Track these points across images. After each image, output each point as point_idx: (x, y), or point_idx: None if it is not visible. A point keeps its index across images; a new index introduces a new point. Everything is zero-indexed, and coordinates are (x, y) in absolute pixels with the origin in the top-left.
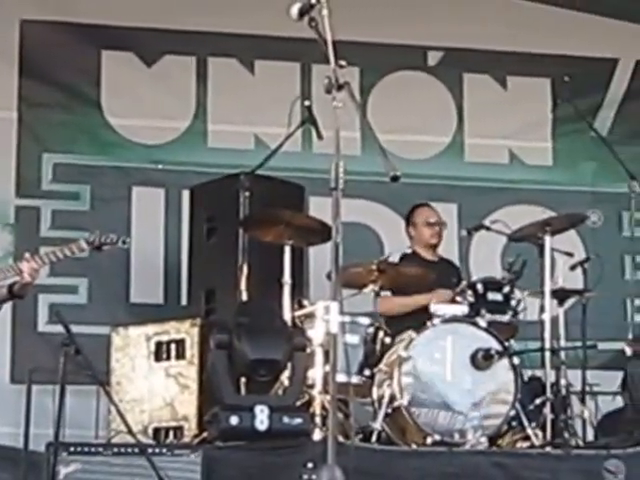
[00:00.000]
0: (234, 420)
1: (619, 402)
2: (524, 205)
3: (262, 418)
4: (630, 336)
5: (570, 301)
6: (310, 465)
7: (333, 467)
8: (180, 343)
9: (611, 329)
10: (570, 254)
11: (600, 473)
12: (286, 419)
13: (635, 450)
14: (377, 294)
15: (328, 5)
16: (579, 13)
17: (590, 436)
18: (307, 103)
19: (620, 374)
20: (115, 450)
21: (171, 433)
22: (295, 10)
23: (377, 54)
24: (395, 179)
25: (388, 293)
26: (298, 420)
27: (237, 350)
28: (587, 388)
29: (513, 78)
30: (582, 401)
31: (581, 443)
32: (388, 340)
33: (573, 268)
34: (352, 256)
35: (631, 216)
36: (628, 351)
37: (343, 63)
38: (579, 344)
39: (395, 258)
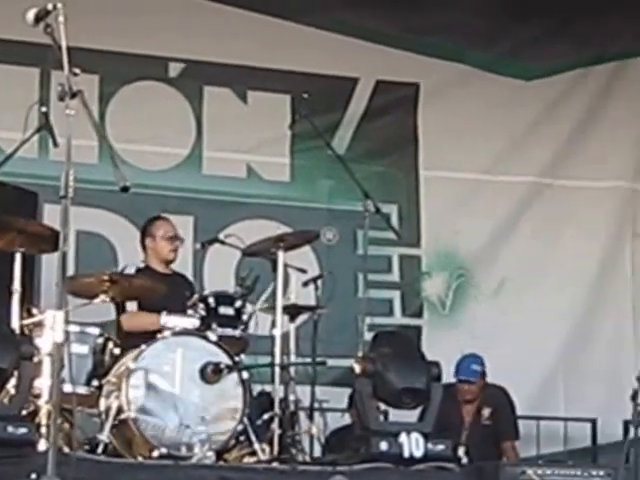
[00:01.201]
0: None
1: (348, 419)
2: (260, 220)
3: None
4: (360, 354)
5: (302, 317)
6: (33, 476)
7: (52, 478)
8: None
9: (342, 346)
10: (303, 270)
11: None
12: (10, 428)
13: (360, 467)
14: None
15: (65, 12)
16: (320, 31)
17: (317, 452)
18: (43, 109)
19: (349, 391)
20: None
21: None
22: (31, 16)
23: (118, 63)
24: (125, 189)
25: (134, 306)
26: (23, 430)
27: None
28: (316, 404)
29: (254, 93)
30: (310, 417)
31: (308, 459)
32: (117, 351)
33: (306, 284)
34: (86, 265)
35: (365, 234)
36: (357, 369)
37: (77, 71)
38: (309, 360)
39: (131, 270)
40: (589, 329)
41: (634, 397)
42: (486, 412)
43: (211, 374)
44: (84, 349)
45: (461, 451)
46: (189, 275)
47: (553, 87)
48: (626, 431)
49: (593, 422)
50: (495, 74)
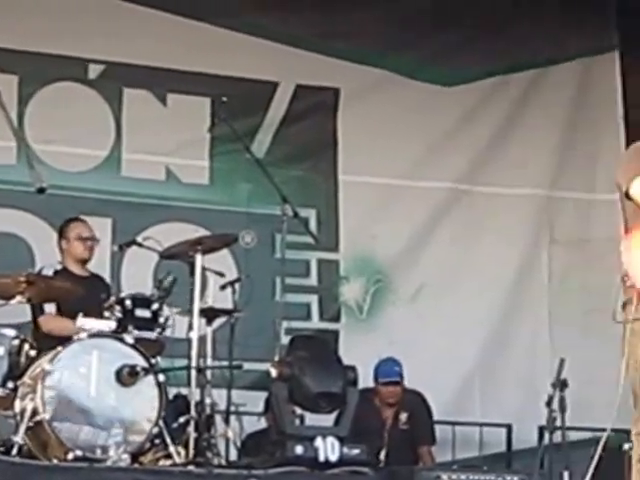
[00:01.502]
0: None
1: (264, 423)
2: (178, 223)
3: None
4: (276, 357)
5: (219, 320)
6: None
7: None
8: None
9: (259, 350)
10: (221, 274)
11: None
12: None
13: (276, 471)
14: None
15: None
16: (241, 35)
17: (233, 456)
18: None
19: (265, 395)
20: None
21: None
22: None
23: (37, 64)
24: (41, 191)
25: (53, 308)
26: None
27: None
28: (232, 408)
29: (173, 95)
30: (226, 421)
31: (223, 462)
32: (33, 353)
33: (223, 288)
34: (3, 266)
35: (283, 238)
36: (273, 372)
37: None
38: (225, 363)
39: (49, 272)
40: (506, 335)
41: (549, 403)
42: (403, 417)
43: (127, 377)
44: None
45: (382, 455)
46: (106, 277)
47: (472, 94)
48: (541, 437)
49: (508, 427)
50: (415, 80)
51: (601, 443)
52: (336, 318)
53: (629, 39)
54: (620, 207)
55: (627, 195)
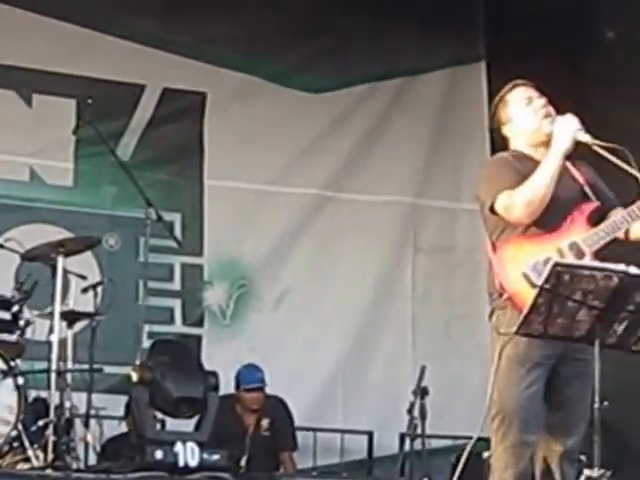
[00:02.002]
0: None
1: (125, 427)
2: (42, 224)
3: None
4: (138, 362)
5: (81, 323)
6: None
7: None
8: None
9: (121, 354)
10: (83, 276)
11: None
12: None
13: (135, 475)
14: None
15: None
16: (108, 37)
17: (93, 460)
18: None
19: (126, 399)
20: None
21: None
22: None
23: None
24: None
25: None
26: None
27: None
28: (92, 412)
29: (39, 96)
30: (86, 424)
31: (82, 466)
32: None
33: (85, 291)
34: None
35: (146, 242)
36: (134, 377)
37: None
38: (86, 367)
39: None
40: (369, 342)
41: (410, 410)
42: (265, 423)
43: None
44: None
45: (243, 461)
46: None
47: (340, 101)
48: (402, 444)
49: (370, 435)
50: (283, 86)
51: (467, 450)
52: (199, 323)
53: (496, 50)
54: (482, 220)
55: (492, 210)
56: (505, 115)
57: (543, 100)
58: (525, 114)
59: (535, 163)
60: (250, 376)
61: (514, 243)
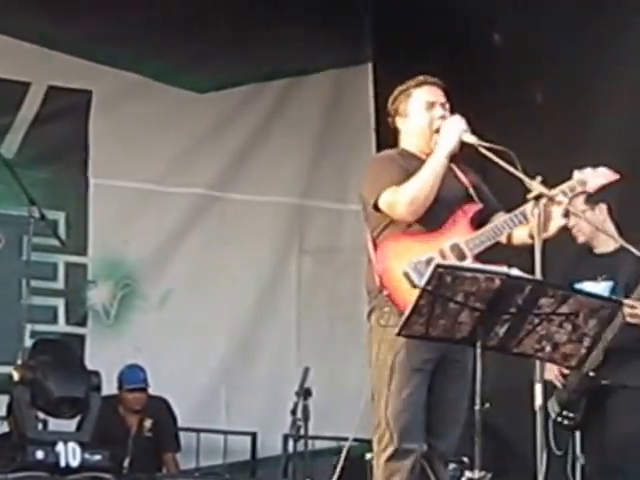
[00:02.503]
0: None
1: (7, 427)
2: None
3: None
4: (20, 361)
5: None
6: None
7: None
8: None
9: (3, 353)
10: None
11: None
12: None
13: (15, 475)
14: None
15: None
16: None
17: None
18: None
19: (7, 399)
20: None
21: None
22: None
23: None
24: None
25: None
26: None
27: None
28: None
29: None
30: None
31: None
32: None
33: None
34: None
35: (29, 240)
36: (16, 376)
37: None
38: None
39: None
40: (254, 343)
41: (294, 411)
42: (148, 424)
43: None
44: None
45: (126, 462)
46: None
47: (227, 101)
48: (285, 445)
49: (253, 436)
50: (169, 85)
51: (344, 452)
52: (83, 322)
53: (382, 51)
54: (364, 219)
55: (376, 206)
56: (404, 108)
57: (443, 112)
58: (421, 118)
59: (421, 162)
60: (132, 376)
61: (396, 240)
